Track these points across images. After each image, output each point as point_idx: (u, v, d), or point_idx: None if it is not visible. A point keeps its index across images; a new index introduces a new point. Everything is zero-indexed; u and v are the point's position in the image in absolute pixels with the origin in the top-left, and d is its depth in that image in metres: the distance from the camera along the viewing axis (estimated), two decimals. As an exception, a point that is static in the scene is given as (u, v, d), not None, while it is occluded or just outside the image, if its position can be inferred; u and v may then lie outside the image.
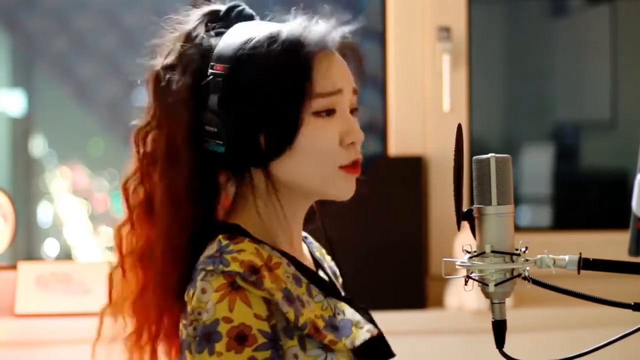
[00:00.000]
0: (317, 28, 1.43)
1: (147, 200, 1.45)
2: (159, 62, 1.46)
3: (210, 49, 1.44)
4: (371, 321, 1.50)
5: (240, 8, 1.51)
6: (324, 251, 1.64)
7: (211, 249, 1.38)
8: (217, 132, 1.40)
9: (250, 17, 1.51)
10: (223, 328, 1.32)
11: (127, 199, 1.47)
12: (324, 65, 1.42)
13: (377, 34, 2.85)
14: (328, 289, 1.47)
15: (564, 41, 3.51)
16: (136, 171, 1.47)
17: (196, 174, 1.43)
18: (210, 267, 1.35)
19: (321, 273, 1.54)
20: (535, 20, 3.54)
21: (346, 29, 1.47)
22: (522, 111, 3.53)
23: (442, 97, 2.76)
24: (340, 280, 1.63)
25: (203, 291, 1.34)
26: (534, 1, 3.51)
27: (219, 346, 1.31)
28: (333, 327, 1.40)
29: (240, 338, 1.31)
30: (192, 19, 1.48)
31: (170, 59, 1.46)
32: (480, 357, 2.59)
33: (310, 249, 1.57)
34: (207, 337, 1.32)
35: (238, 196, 1.47)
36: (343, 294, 1.54)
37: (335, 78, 1.43)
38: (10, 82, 4.65)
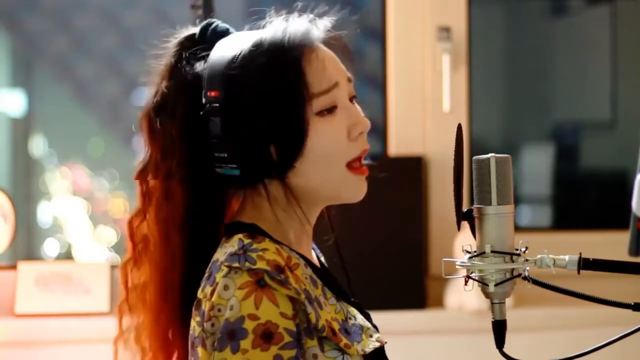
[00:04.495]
0: (297, 27, 1.42)
1: (147, 238, 1.47)
2: (149, 102, 1.46)
3: (197, 77, 1.43)
4: (376, 328, 1.50)
5: (213, 25, 1.49)
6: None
7: (231, 247, 1.38)
8: (228, 157, 1.40)
9: (225, 31, 1.49)
10: (249, 325, 1.30)
11: (131, 237, 1.48)
12: (313, 63, 1.41)
13: (377, 34, 2.85)
14: (340, 292, 1.47)
15: (564, 41, 3.51)
16: (139, 210, 1.47)
17: (193, 209, 1.44)
18: (236, 264, 1.34)
19: None
20: (535, 20, 3.54)
21: (326, 20, 1.46)
22: (522, 111, 3.53)
23: (442, 97, 2.76)
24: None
25: (225, 288, 1.33)
26: (534, 1, 3.51)
27: (245, 343, 1.30)
28: (346, 331, 1.40)
29: (267, 336, 1.30)
30: (171, 50, 1.47)
31: (157, 99, 1.45)
32: (480, 357, 2.58)
33: (316, 253, 1.57)
34: (230, 334, 1.31)
35: (248, 201, 1.46)
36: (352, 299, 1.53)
37: (329, 73, 1.42)
38: (10, 82, 4.65)
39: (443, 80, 2.75)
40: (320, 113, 1.41)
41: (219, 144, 1.40)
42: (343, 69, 1.46)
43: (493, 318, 1.34)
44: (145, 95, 1.48)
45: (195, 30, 1.49)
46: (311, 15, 1.46)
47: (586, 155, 3.54)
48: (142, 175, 1.47)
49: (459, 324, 2.62)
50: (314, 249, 1.57)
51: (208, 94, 1.40)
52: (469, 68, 2.81)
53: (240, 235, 1.39)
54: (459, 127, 1.33)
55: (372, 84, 2.94)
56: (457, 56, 2.77)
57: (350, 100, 1.46)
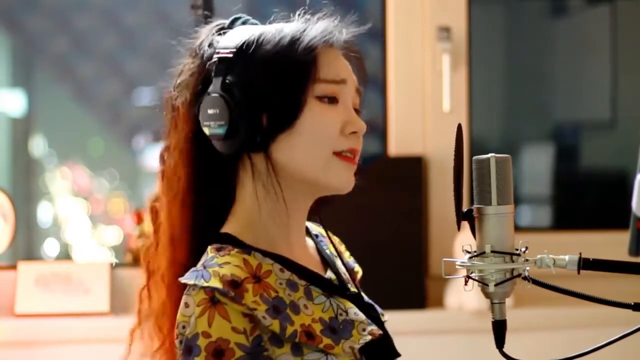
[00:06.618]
0: (321, 25, 1.46)
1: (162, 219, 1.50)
2: (172, 84, 1.50)
3: (210, 55, 1.46)
4: (377, 319, 1.50)
5: (244, 19, 1.53)
6: (343, 247, 1.64)
7: (200, 261, 1.40)
8: (219, 113, 1.41)
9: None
10: (202, 342, 1.32)
11: (153, 220, 1.51)
12: (328, 56, 1.45)
13: (377, 34, 2.85)
14: (333, 288, 1.47)
15: (564, 41, 3.52)
16: (159, 191, 1.50)
17: (197, 186, 1.46)
18: (192, 282, 1.36)
19: (329, 272, 1.52)
20: (535, 20, 3.55)
21: (351, 31, 1.49)
22: (522, 111, 3.54)
23: (442, 97, 2.76)
24: (360, 273, 1.63)
25: (186, 305, 1.35)
26: (534, 1, 3.51)
27: None
28: (332, 329, 1.40)
29: (218, 353, 1.32)
30: (200, 36, 1.51)
31: (177, 78, 1.49)
32: (480, 357, 2.59)
33: (319, 247, 1.57)
34: (188, 350, 1.33)
35: (235, 198, 1.47)
36: (354, 290, 1.53)
37: (339, 70, 1.46)
38: (10, 82, 4.66)
39: (443, 80, 2.75)
40: (321, 98, 1.43)
41: (213, 100, 1.41)
42: (354, 78, 1.48)
43: (493, 318, 1.34)
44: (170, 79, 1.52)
45: (226, 21, 1.52)
46: (336, 21, 1.48)
47: (586, 155, 3.54)
48: (162, 154, 1.50)
49: (459, 324, 2.62)
50: (319, 241, 1.57)
51: (220, 52, 1.43)
52: (469, 68, 2.81)
53: (209, 248, 1.41)
54: (459, 127, 1.33)
55: (372, 84, 2.94)
56: (457, 56, 2.77)
57: (355, 111, 1.47)
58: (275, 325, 1.34)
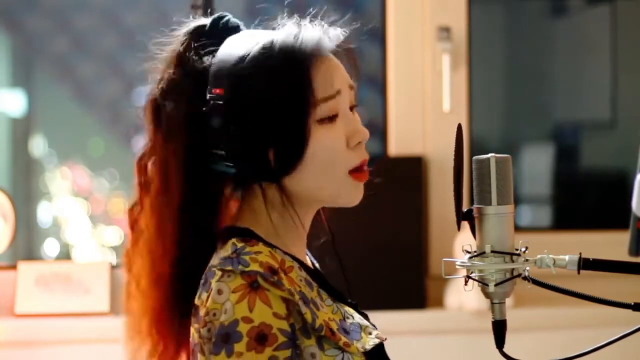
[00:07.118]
0: (309, 35, 1.42)
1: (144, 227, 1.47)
2: (154, 88, 1.46)
3: (203, 71, 1.43)
4: (374, 326, 1.50)
5: (225, 19, 1.49)
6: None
7: (225, 251, 1.38)
8: (226, 155, 1.40)
9: (236, 27, 1.49)
10: (243, 328, 1.31)
11: (131, 226, 1.49)
12: (321, 70, 1.41)
13: (377, 34, 2.85)
14: (336, 294, 1.47)
15: (564, 41, 3.51)
16: (138, 199, 1.48)
17: (189, 199, 1.44)
18: (229, 268, 1.34)
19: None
20: (535, 20, 3.54)
21: (338, 31, 1.46)
22: (522, 111, 3.53)
23: (442, 97, 2.76)
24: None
25: (219, 292, 1.33)
26: (534, 1, 3.51)
27: (239, 346, 1.30)
28: (345, 330, 1.40)
29: (261, 338, 1.30)
30: (179, 38, 1.48)
31: (162, 86, 1.46)
32: (480, 357, 2.59)
33: (310, 260, 1.57)
34: (225, 337, 1.31)
35: (246, 203, 1.46)
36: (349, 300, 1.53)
37: (333, 80, 1.42)
38: (10, 82, 4.66)
39: (443, 80, 2.75)
40: (321, 120, 1.41)
41: (218, 141, 1.40)
42: (347, 76, 1.45)
43: (493, 318, 1.34)
44: (150, 83, 1.48)
45: (206, 21, 1.49)
46: (324, 23, 1.45)
47: (586, 155, 3.54)
48: (141, 162, 1.47)
49: (459, 324, 2.62)
50: (307, 255, 1.57)
51: (213, 90, 1.40)
52: (469, 68, 2.81)
53: (233, 240, 1.39)
54: (459, 127, 1.33)
55: (372, 84, 2.94)
56: (457, 56, 2.77)
57: (351, 109, 1.45)
58: (308, 315, 1.34)
